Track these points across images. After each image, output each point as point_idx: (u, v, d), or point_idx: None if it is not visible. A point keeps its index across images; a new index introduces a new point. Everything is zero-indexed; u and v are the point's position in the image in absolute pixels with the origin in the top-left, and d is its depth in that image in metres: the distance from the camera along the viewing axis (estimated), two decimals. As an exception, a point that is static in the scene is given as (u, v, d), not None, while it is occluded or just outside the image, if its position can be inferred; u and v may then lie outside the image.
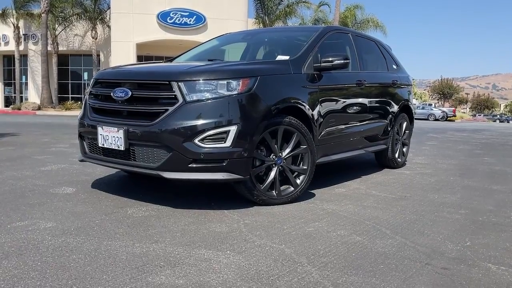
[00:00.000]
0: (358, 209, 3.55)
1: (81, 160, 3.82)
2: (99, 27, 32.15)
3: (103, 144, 3.44)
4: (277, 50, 4.53)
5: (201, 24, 31.98)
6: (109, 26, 31.76)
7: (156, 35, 30.96)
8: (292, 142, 3.62)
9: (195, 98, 3.18)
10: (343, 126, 4.45)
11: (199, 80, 3.22)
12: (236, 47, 4.97)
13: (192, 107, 3.16)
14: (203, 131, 3.14)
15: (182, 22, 31.38)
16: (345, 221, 3.20)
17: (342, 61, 4.01)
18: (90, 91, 3.79)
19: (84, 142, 3.76)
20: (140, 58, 32.87)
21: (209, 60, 4.17)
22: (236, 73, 3.34)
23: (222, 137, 3.17)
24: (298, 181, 3.68)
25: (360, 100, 4.74)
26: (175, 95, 3.20)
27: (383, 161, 5.68)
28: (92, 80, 3.88)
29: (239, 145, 3.20)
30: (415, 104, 42.91)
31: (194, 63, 4.02)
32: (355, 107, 4.66)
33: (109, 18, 31.37)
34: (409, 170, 5.77)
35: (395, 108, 5.52)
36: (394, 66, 5.89)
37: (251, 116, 3.28)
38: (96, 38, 31.54)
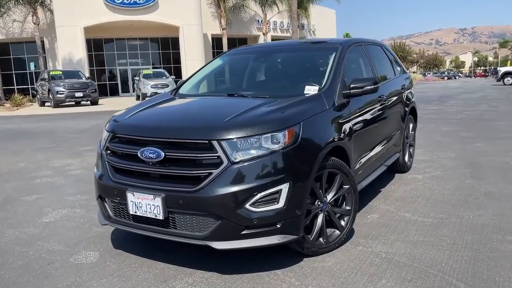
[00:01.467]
0: (410, 249, 3.38)
1: (104, 224, 3.40)
2: (40, 11, 29.97)
3: (136, 212, 3.06)
4: (295, 74, 4.20)
5: (152, 3, 30.54)
6: (50, 10, 29.70)
7: (104, 17, 29.35)
8: (336, 184, 3.37)
9: (240, 157, 2.85)
10: (370, 150, 4.24)
11: (243, 137, 2.88)
12: (245, 69, 4.58)
13: (239, 168, 2.83)
14: (254, 194, 2.83)
15: (131, 2, 29.83)
16: (408, 271, 3.03)
17: (372, 87, 3.77)
18: (107, 147, 3.34)
19: (107, 205, 3.35)
20: (88, 42, 31.12)
21: (228, 94, 3.83)
22: (280, 123, 3.01)
23: (275, 197, 2.88)
24: (343, 223, 3.46)
25: (382, 116, 4.53)
26: (218, 156, 2.85)
27: (394, 167, 5.56)
28: (106, 133, 3.43)
29: (292, 204, 2.93)
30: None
31: (219, 104, 3.69)
32: (379, 126, 4.45)
33: (50, 1, 29.29)
34: (419, 174, 5.70)
35: (405, 114, 5.37)
36: (398, 68, 5.71)
37: (302, 169, 3.00)
38: (38, 23, 29.46)
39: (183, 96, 4.13)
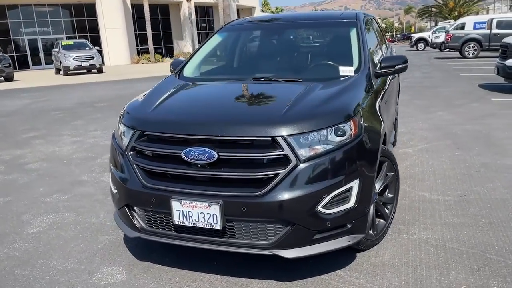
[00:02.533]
0: (454, 233, 3.32)
1: (134, 237, 2.91)
2: None
3: (183, 222, 2.63)
4: (318, 53, 3.87)
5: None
6: None
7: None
8: (383, 172, 3.18)
9: (308, 154, 2.52)
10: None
11: (310, 131, 2.55)
12: (255, 48, 4.14)
13: (308, 166, 2.50)
14: (327, 194, 2.54)
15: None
16: (469, 258, 2.95)
17: (403, 65, 3.57)
18: (133, 147, 2.82)
19: (136, 214, 2.86)
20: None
21: (253, 78, 3.42)
22: (345, 113, 2.71)
23: (346, 196, 2.62)
24: (388, 212, 3.30)
25: (392, 93, 4.37)
26: (284, 154, 2.50)
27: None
28: (126, 129, 2.90)
29: (361, 201, 2.68)
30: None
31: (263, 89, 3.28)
32: (391, 103, 4.29)
33: None
34: (407, 148, 5.74)
35: (398, 87, 5.29)
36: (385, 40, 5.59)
37: (370, 161, 2.75)
38: None
39: (196, 81, 3.62)
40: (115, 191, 2.98)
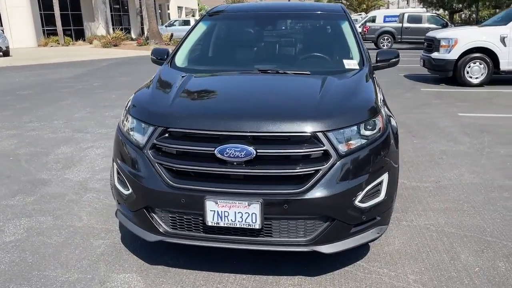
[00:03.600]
0: (447, 218, 3.55)
1: (155, 240, 2.69)
2: None
3: (217, 223, 2.50)
4: (315, 45, 3.84)
5: None
6: None
7: None
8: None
9: (346, 148, 2.52)
10: None
11: (347, 126, 2.55)
12: (248, 38, 3.99)
13: (347, 161, 2.51)
14: (364, 188, 2.57)
15: None
16: (471, 241, 3.18)
17: (397, 59, 3.70)
18: (154, 144, 2.61)
19: (157, 216, 2.66)
20: None
21: (260, 70, 3.30)
22: (374, 107, 2.76)
23: (378, 189, 2.67)
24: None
25: None
26: (325, 150, 2.48)
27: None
28: (143, 125, 2.67)
29: (389, 193, 2.75)
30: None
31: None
32: None
33: None
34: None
35: None
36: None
37: (395, 154, 2.83)
38: None
39: (194, 72, 3.40)
40: (126, 192, 2.75)
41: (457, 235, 3.29)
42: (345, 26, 3.83)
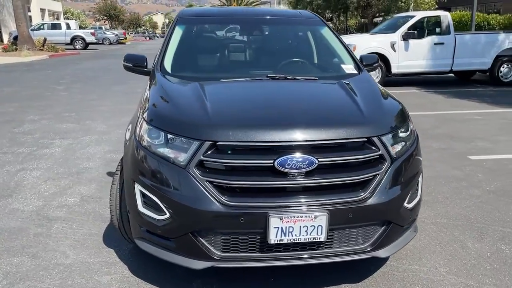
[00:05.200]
0: (449, 211, 3.82)
1: (204, 268, 2.40)
2: None
3: (281, 240, 2.33)
4: (305, 51, 3.80)
5: None
6: None
7: None
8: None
9: (395, 152, 2.56)
10: None
11: (394, 130, 2.59)
12: (233, 44, 3.77)
13: (399, 164, 2.54)
14: (410, 189, 2.64)
15: None
16: (487, 232, 3.46)
17: (378, 63, 3.88)
18: (201, 161, 2.33)
19: (205, 241, 2.38)
20: None
21: (268, 76, 3.16)
22: (406, 111, 2.86)
23: (417, 189, 2.75)
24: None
25: None
26: (380, 154, 2.48)
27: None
28: (176, 140, 2.39)
29: (422, 193, 2.86)
30: (86, 29, 40.32)
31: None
32: None
33: None
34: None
35: None
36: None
37: (421, 154, 2.93)
38: None
39: (194, 79, 3.09)
40: (161, 216, 2.42)
41: (451, 224, 3.56)
42: (326, 31, 3.89)
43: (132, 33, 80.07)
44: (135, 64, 3.47)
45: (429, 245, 3.23)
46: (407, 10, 18.93)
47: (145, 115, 2.65)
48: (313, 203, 2.34)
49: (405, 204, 2.59)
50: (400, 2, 19.66)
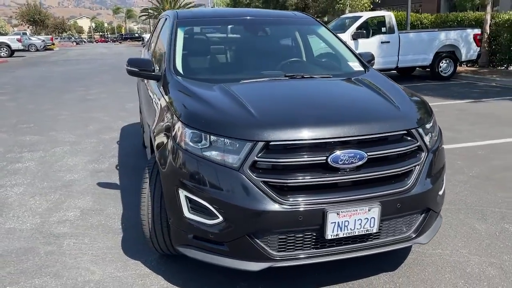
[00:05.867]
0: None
1: (261, 269, 2.38)
2: None
3: (337, 235, 2.38)
4: (310, 49, 3.85)
5: None
6: None
7: None
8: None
9: (430, 142, 2.70)
10: None
11: (427, 122, 2.73)
12: (239, 44, 3.73)
13: (432, 154, 2.69)
14: (443, 177, 2.80)
15: None
16: (465, 214, 3.71)
17: (374, 60, 4.03)
18: (255, 161, 2.32)
19: (259, 241, 2.36)
20: None
21: (286, 76, 3.19)
22: (428, 104, 3.02)
23: (443, 178, 2.91)
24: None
25: None
26: (419, 146, 2.61)
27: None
28: (225, 141, 2.36)
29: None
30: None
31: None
32: None
33: None
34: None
35: None
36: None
37: None
38: None
39: (213, 81, 3.05)
40: (213, 221, 2.38)
41: (454, 209, 3.79)
42: (324, 31, 3.99)
43: (57, 38, 76.19)
44: (142, 69, 3.34)
45: (442, 229, 3.41)
46: (343, 12, 19.65)
47: (181, 118, 2.57)
48: (366, 196, 2.41)
49: (439, 191, 2.73)
50: (337, 4, 20.35)
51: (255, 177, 2.32)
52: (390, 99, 2.82)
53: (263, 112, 2.53)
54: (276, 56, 3.76)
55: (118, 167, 5.03)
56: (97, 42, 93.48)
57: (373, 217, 2.41)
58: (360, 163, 2.39)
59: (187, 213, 2.46)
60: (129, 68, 3.41)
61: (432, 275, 2.82)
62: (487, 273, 2.84)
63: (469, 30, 12.72)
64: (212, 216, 2.39)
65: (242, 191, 2.33)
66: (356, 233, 2.42)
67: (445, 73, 12.70)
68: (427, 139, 2.66)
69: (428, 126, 2.72)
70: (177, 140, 2.53)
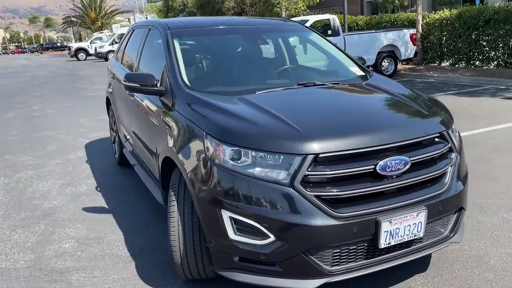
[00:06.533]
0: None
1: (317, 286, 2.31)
2: None
3: (389, 243, 2.36)
4: (309, 55, 3.80)
5: None
6: None
7: None
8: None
9: (457, 143, 2.78)
10: None
11: (452, 123, 2.81)
12: (239, 54, 3.59)
13: (461, 155, 2.78)
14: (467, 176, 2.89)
15: None
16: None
17: (366, 65, 4.11)
18: (306, 175, 2.24)
19: (316, 258, 2.29)
20: None
21: (299, 84, 3.14)
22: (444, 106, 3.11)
23: None
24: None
25: None
26: (450, 147, 2.67)
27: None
28: (272, 157, 2.27)
29: None
30: None
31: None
32: None
33: None
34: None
35: None
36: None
37: None
38: None
39: (228, 94, 2.94)
40: (265, 241, 2.28)
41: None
42: (316, 37, 3.99)
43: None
44: (143, 84, 3.13)
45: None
46: (279, 16, 19.98)
47: (215, 135, 2.43)
48: (414, 201, 2.42)
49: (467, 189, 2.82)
50: (274, 8, 20.64)
51: (307, 192, 2.24)
52: (415, 103, 2.87)
53: (304, 124, 2.46)
54: (279, 64, 3.71)
55: (98, 189, 4.69)
56: (13, 54, 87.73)
57: (420, 222, 2.43)
58: (405, 168, 2.39)
59: (232, 235, 2.33)
60: (128, 84, 3.19)
61: (462, 271, 2.90)
62: (510, 264, 2.97)
63: (405, 30, 13.45)
64: (262, 236, 2.28)
65: (295, 208, 2.24)
66: (405, 240, 2.42)
67: (387, 71, 13.30)
68: (455, 140, 2.73)
69: (453, 127, 2.80)
70: (212, 158, 2.39)
